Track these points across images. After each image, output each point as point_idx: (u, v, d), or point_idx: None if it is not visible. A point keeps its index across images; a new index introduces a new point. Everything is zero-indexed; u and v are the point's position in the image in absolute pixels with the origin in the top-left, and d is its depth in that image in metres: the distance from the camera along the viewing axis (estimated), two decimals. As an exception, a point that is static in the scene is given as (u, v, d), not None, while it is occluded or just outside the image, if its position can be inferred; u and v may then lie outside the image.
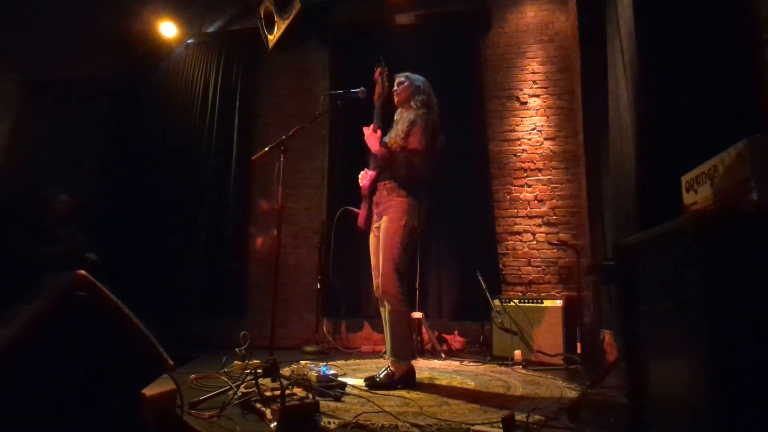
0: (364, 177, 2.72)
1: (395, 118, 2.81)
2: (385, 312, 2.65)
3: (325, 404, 1.97)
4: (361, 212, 2.70)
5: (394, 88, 2.77)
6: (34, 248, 3.77)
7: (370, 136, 2.64)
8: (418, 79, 2.80)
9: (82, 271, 1.28)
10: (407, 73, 2.81)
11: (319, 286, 4.35)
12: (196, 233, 4.85)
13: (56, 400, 1.17)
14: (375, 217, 2.67)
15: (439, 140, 2.67)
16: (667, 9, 2.11)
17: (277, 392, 1.87)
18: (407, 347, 2.52)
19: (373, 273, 2.68)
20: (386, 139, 2.71)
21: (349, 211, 2.93)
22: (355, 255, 4.27)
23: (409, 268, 2.70)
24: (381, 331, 4.27)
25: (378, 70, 2.72)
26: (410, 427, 1.70)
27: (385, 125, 2.77)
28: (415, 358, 2.67)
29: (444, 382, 2.62)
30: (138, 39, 5.28)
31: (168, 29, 5.24)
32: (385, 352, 2.70)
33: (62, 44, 5.19)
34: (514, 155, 4.48)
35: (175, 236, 4.83)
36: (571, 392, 2.35)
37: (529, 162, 4.44)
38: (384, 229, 2.55)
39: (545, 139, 4.44)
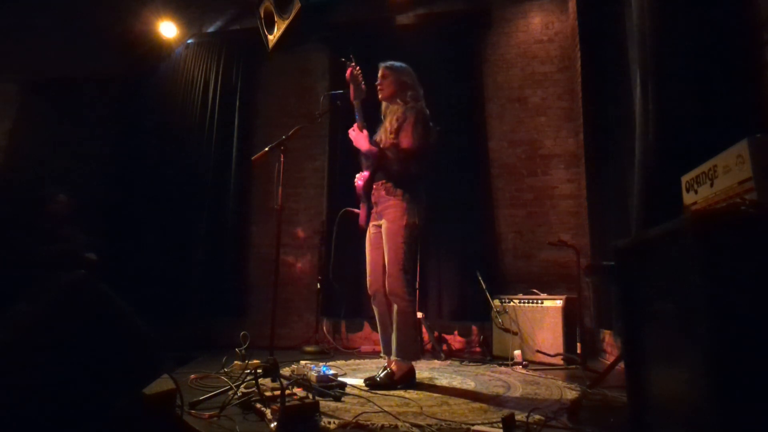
0: (360, 178, 2.71)
1: (382, 111, 2.75)
2: (377, 309, 2.65)
3: (325, 404, 1.97)
4: (361, 212, 2.69)
5: (377, 81, 2.70)
6: (34, 248, 3.76)
7: (358, 136, 2.60)
8: (402, 69, 2.70)
9: (82, 271, 1.28)
10: (388, 64, 2.72)
11: (319, 286, 4.35)
12: (196, 233, 4.85)
13: (56, 401, 1.17)
14: (374, 216, 2.66)
15: (432, 132, 2.61)
16: (666, 8, 2.11)
17: (277, 392, 1.87)
18: (413, 347, 2.52)
19: (368, 270, 2.67)
20: (376, 136, 2.69)
21: (349, 212, 2.92)
22: (355, 255, 4.26)
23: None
24: (381, 331, 4.27)
25: (349, 71, 2.63)
26: (410, 427, 1.70)
27: (370, 121, 2.74)
28: (419, 358, 2.66)
29: (444, 382, 2.62)
30: (138, 39, 5.27)
31: (168, 29, 5.24)
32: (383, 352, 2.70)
33: (62, 44, 5.18)
34: (514, 155, 4.48)
35: (175, 236, 4.84)
36: (571, 392, 2.35)
37: (529, 162, 4.44)
38: (386, 231, 2.55)
39: (545, 139, 4.44)
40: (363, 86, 2.65)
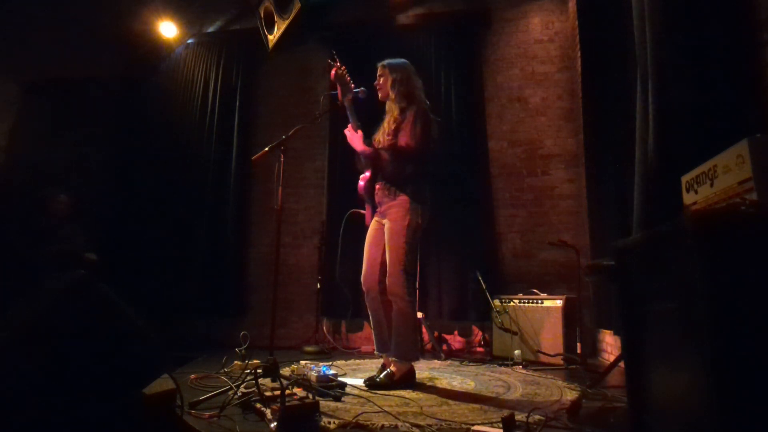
0: (362, 179, 2.70)
1: (386, 109, 2.74)
2: (370, 306, 2.64)
3: (325, 404, 1.97)
4: (367, 212, 2.70)
5: (376, 81, 2.70)
6: (34, 248, 3.77)
7: (353, 136, 2.61)
8: (395, 66, 2.68)
9: (82, 271, 1.28)
10: (385, 62, 2.70)
11: (319, 286, 4.34)
12: (196, 233, 4.85)
13: (57, 400, 1.17)
14: (378, 215, 2.66)
15: (433, 125, 2.59)
16: (666, 9, 2.11)
17: (277, 392, 1.87)
18: (411, 348, 2.51)
19: (364, 265, 2.66)
20: (374, 137, 2.69)
21: (354, 213, 2.93)
22: (355, 256, 4.26)
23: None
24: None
25: (333, 71, 2.62)
26: (410, 427, 1.70)
27: (374, 120, 2.74)
28: (418, 359, 2.66)
29: (444, 382, 2.62)
30: (138, 39, 5.28)
31: (168, 29, 5.24)
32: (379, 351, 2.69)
33: (62, 44, 5.19)
34: (514, 155, 4.48)
35: (175, 236, 4.83)
36: (571, 392, 2.35)
37: (528, 162, 4.44)
38: (388, 230, 2.54)
39: (545, 139, 4.44)
40: (352, 85, 2.65)
